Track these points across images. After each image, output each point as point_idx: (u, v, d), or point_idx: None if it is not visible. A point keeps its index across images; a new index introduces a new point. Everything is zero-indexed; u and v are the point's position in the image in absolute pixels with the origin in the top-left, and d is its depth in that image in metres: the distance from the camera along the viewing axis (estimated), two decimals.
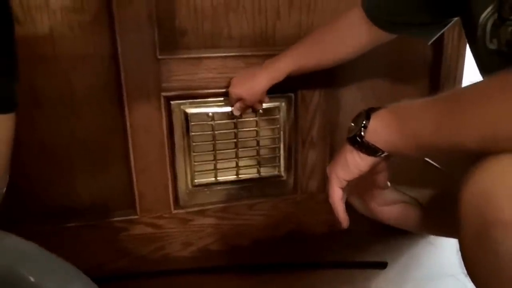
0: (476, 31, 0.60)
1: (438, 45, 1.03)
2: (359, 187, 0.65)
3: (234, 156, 1.00)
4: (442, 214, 0.64)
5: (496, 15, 0.57)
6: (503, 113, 0.39)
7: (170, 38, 0.91)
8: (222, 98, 0.95)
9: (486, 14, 0.58)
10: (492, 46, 0.59)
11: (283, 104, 1.00)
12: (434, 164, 0.68)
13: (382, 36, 0.80)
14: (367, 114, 0.52)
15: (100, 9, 0.85)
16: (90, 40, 0.87)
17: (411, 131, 0.48)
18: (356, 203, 0.71)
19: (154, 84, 0.89)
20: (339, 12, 0.97)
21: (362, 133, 0.52)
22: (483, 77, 0.64)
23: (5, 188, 0.52)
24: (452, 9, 0.68)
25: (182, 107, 0.94)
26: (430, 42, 0.81)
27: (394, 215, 0.67)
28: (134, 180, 0.94)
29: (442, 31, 0.78)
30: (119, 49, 0.85)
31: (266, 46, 0.97)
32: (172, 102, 0.93)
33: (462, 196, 0.42)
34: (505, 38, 0.56)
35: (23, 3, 0.81)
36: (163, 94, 0.90)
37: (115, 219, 0.97)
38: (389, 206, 0.66)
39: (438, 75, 1.05)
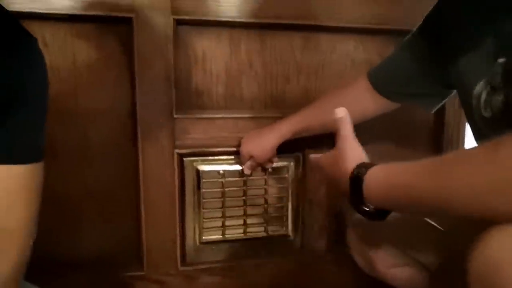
0: (471, 101, 0.64)
1: (440, 112, 1.07)
2: (364, 247, 0.66)
3: (242, 213, 1.02)
4: (448, 279, 0.64)
5: (489, 87, 0.61)
6: (488, 186, 0.39)
7: (186, 99, 0.96)
8: (233, 157, 0.99)
9: (480, 86, 0.62)
10: (487, 114, 0.63)
11: (291, 163, 1.03)
12: (436, 225, 0.69)
13: (387, 105, 0.85)
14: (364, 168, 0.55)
15: (123, 70, 0.92)
16: (111, 97, 0.93)
17: (401, 184, 0.50)
18: (362, 263, 0.71)
19: (168, 141, 0.93)
20: (345, 79, 1.04)
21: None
22: (478, 143, 0.67)
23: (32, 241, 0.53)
24: (449, 82, 0.73)
25: (194, 164, 0.97)
26: (432, 111, 0.85)
27: (400, 278, 0.66)
28: (143, 234, 0.95)
29: (443, 101, 0.82)
30: (138, 107, 0.91)
31: (276, 109, 1.02)
32: (185, 159, 0.96)
33: (470, 265, 0.42)
34: (497, 106, 0.60)
35: (53, 64, 0.89)
36: (177, 151, 0.94)
37: (122, 274, 0.96)
38: (395, 268, 0.66)
39: (440, 140, 1.09)
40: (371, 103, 0.85)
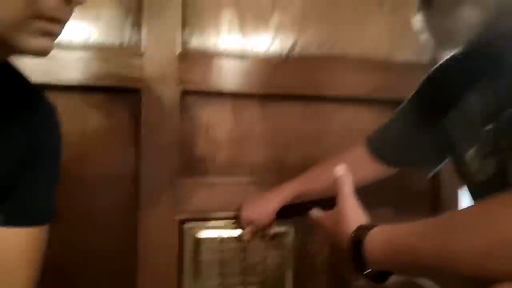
0: (464, 167, 0.67)
1: (436, 176, 1.09)
2: None
3: (241, 281, 1.00)
4: None
5: (480, 153, 0.64)
6: (487, 247, 0.41)
7: (188, 164, 0.99)
8: (233, 221, 0.99)
9: (471, 152, 0.65)
10: (480, 178, 0.65)
11: (292, 229, 1.03)
12: None
13: (385, 170, 0.88)
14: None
15: (130, 137, 0.96)
16: (117, 162, 0.96)
17: (402, 247, 0.51)
18: None
19: (169, 206, 0.94)
20: (344, 146, 1.07)
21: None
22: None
23: None
24: (443, 148, 0.76)
25: (194, 230, 0.97)
26: (429, 176, 0.87)
27: None
28: None
29: (440, 166, 0.85)
30: (142, 172, 0.93)
31: (276, 175, 1.04)
32: (184, 225, 0.97)
33: None
34: (489, 171, 0.63)
35: (62, 131, 0.92)
36: (177, 217, 0.95)
37: None
38: None
39: (437, 203, 1.10)
40: (369, 168, 0.88)
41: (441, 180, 1.10)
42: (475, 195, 0.70)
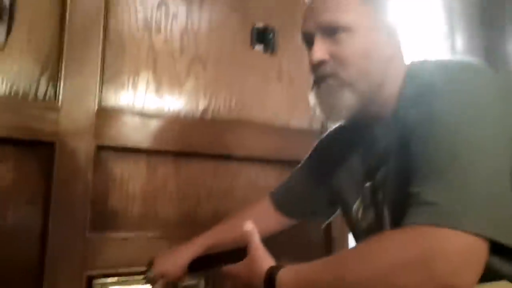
0: (351, 216, 0.82)
1: (328, 226, 1.25)
2: None
3: None
4: None
5: (362, 204, 0.79)
6: (374, 274, 0.52)
7: (100, 218, 0.99)
8: (143, 276, 0.99)
9: (357, 204, 0.80)
10: (363, 225, 0.81)
11: (202, 281, 1.06)
12: None
13: (287, 221, 0.99)
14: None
15: (39, 190, 0.93)
16: (23, 216, 0.91)
17: (307, 280, 0.60)
18: None
19: (78, 262, 0.92)
20: (250, 201, 1.17)
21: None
22: None
23: None
24: (334, 201, 0.91)
25: (103, 286, 0.95)
26: (323, 226, 1.01)
27: None
28: None
29: (332, 217, 0.99)
30: (50, 227, 0.90)
31: (188, 229, 1.09)
32: (94, 281, 0.94)
33: None
34: (370, 218, 0.78)
35: None
36: (87, 273, 0.93)
37: None
38: None
39: (326, 250, 1.25)
40: (273, 219, 0.98)
41: (332, 231, 1.26)
42: (359, 240, 0.85)
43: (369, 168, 0.79)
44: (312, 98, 0.75)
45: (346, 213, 0.87)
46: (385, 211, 0.73)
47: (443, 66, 0.65)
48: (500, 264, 0.57)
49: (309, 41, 0.73)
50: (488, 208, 0.52)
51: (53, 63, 0.98)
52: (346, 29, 0.68)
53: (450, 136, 0.57)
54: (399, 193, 0.66)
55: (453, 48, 1.85)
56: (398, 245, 0.53)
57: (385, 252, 0.53)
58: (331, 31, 0.69)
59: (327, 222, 1.01)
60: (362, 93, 0.70)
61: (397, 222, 0.62)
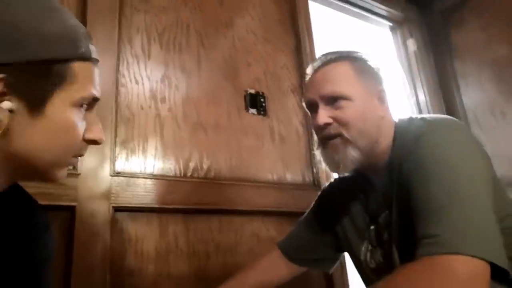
0: (360, 258, 0.90)
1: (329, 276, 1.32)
2: None
3: None
4: None
5: (370, 246, 0.89)
6: None
7: (119, 279, 1.03)
8: None
9: (364, 246, 0.90)
10: (372, 266, 0.89)
11: None
12: None
13: (296, 269, 1.05)
14: None
15: (58, 254, 0.97)
16: None
17: None
18: None
19: None
20: (255, 253, 1.24)
21: None
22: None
23: None
24: (341, 247, 0.99)
25: None
26: (331, 271, 1.09)
27: None
28: None
29: (338, 262, 1.07)
30: None
31: (199, 283, 1.13)
32: None
33: None
34: (378, 259, 0.87)
35: None
36: None
37: None
38: None
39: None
40: (284, 269, 1.04)
41: (334, 278, 1.33)
42: (369, 280, 0.93)
43: (372, 213, 0.89)
44: (318, 155, 0.88)
45: (354, 256, 0.95)
46: (393, 249, 0.82)
47: (426, 121, 0.80)
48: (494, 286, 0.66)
49: (312, 108, 0.87)
50: (486, 236, 0.62)
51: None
52: (345, 97, 0.83)
53: (446, 176, 0.69)
54: (404, 232, 0.76)
55: (417, 104, 2.07)
56: (415, 278, 0.60)
57: (406, 286, 0.61)
58: (333, 100, 0.84)
59: (333, 268, 1.08)
60: (362, 149, 0.83)
61: (406, 257, 0.71)
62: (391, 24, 2.22)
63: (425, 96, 2.07)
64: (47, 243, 0.62)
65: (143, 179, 1.12)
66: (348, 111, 0.82)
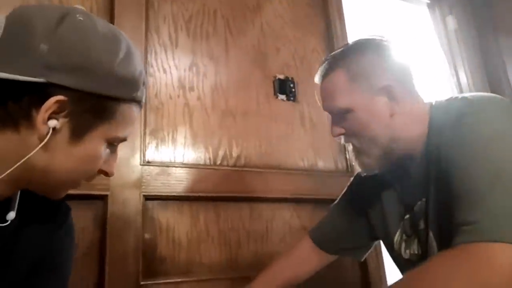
0: (394, 247, 0.86)
1: (364, 264, 1.29)
2: None
3: None
4: None
5: (404, 235, 0.85)
6: None
7: (151, 266, 1.04)
8: None
9: (398, 235, 0.86)
10: (406, 256, 0.85)
11: None
12: None
13: (328, 258, 1.02)
14: None
15: (94, 243, 1.00)
16: (81, 271, 0.97)
17: None
18: None
19: None
20: (286, 241, 1.23)
21: None
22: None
23: None
24: (374, 234, 0.96)
25: None
26: (362, 259, 1.05)
27: None
28: None
29: (370, 250, 1.03)
30: (106, 278, 0.96)
31: (231, 271, 1.13)
32: None
33: None
34: (413, 248, 0.83)
35: None
36: None
37: None
38: None
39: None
40: (315, 258, 1.01)
41: (369, 266, 1.29)
42: (404, 268, 0.89)
43: (406, 202, 0.85)
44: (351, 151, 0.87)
45: (388, 245, 0.91)
46: (429, 238, 0.78)
47: (468, 100, 0.73)
48: None
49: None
50: None
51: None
52: (347, 110, 0.80)
53: (488, 158, 0.63)
54: (442, 220, 0.72)
55: (458, 85, 1.96)
56: (450, 266, 0.57)
57: (441, 274, 0.57)
58: (337, 114, 0.83)
59: (365, 256, 1.04)
60: (378, 154, 0.80)
61: (444, 246, 0.67)
62: (428, 1, 2.11)
63: (466, 77, 1.96)
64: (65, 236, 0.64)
65: (173, 168, 1.13)
66: (353, 122, 0.80)
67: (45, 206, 0.61)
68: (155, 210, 1.10)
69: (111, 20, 1.15)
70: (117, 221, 1.01)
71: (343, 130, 0.82)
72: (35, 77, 0.45)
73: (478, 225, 0.58)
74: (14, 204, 0.55)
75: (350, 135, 0.82)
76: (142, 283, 0.99)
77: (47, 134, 0.47)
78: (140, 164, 1.09)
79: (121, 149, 1.05)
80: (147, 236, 1.06)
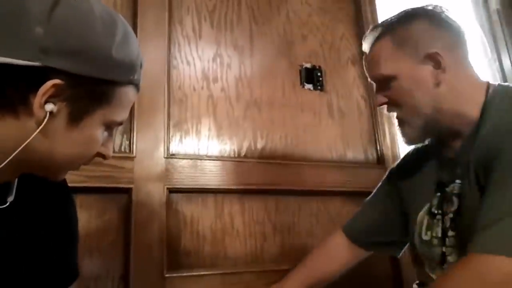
0: (415, 228, 0.82)
1: (395, 260, 1.23)
2: None
3: None
4: None
5: (429, 214, 0.80)
6: None
7: (176, 259, 1.04)
8: None
9: (423, 212, 0.81)
10: (426, 237, 0.80)
11: None
12: None
13: (362, 254, 0.98)
14: None
15: (119, 235, 1.01)
16: (106, 263, 0.98)
17: None
18: None
19: None
20: (314, 235, 1.19)
21: None
22: (414, 266, 0.83)
23: None
24: (407, 227, 0.90)
25: None
26: (399, 255, 1.00)
27: None
28: None
29: (405, 247, 0.98)
30: (131, 270, 0.96)
31: (256, 264, 1.11)
32: None
33: None
34: (435, 231, 0.78)
35: None
36: None
37: None
38: None
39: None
40: (349, 253, 0.97)
41: (402, 264, 1.23)
42: (418, 248, 0.84)
43: (441, 180, 0.81)
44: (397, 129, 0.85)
45: (412, 220, 0.86)
46: (455, 220, 0.76)
47: None
48: None
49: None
50: None
51: (126, 119, 1.09)
52: (391, 77, 0.78)
53: None
54: (476, 204, 0.67)
55: (501, 70, 1.83)
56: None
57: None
58: (382, 82, 0.81)
59: (401, 252, 0.99)
60: (419, 125, 0.78)
61: (464, 238, 0.65)
62: None
63: (510, 61, 1.83)
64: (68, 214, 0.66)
65: (197, 161, 1.12)
66: (396, 90, 0.78)
67: (44, 185, 0.62)
68: (179, 203, 1.10)
69: (135, 12, 1.15)
70: (142, 214, 1.01)
71: (385, 99, 0.81)
72: (31, 61, 0.44)
73: (494, 236, 0.59)
74: (13, 186, 0.56)
75: (392, 104, 0.81)
76: (166, 275, 0.99)
77: (44, 118, 0.46)
78: (164, 157, 1.08)
79: (145, 141, 1.07)
80: (170, 228, 1.05)
